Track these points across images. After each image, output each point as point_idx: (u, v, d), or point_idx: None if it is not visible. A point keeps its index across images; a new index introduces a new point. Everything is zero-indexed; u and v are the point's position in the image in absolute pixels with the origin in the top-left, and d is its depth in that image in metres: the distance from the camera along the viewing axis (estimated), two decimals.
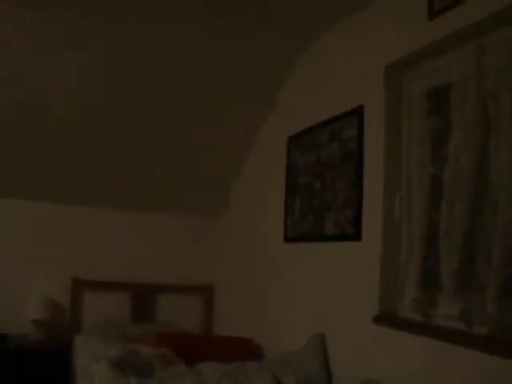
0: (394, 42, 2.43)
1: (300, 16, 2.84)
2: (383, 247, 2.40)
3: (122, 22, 2.92)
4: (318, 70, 3.18)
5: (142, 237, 4.27)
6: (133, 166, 3.90)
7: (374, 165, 2.50)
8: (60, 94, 3.29)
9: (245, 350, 3.29)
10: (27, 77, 3.14)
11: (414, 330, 2.15)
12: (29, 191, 3.84)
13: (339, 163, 2.79)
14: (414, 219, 2.29)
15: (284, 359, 2.83)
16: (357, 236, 2.57)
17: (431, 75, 2.28)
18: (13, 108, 3.30)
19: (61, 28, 2.90)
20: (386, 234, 2.40)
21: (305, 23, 2.93)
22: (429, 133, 2.27)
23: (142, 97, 3.44)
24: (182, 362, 2.91)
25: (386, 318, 2.33)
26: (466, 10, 1.99)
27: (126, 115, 3.53)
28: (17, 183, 3.77)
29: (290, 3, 2.72)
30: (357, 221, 2.58)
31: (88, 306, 4.00)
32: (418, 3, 2.26)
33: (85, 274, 3.98)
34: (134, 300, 4.14)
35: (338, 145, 2.82)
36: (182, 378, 2.54)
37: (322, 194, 2.93)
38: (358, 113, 2.66)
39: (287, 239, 3.29)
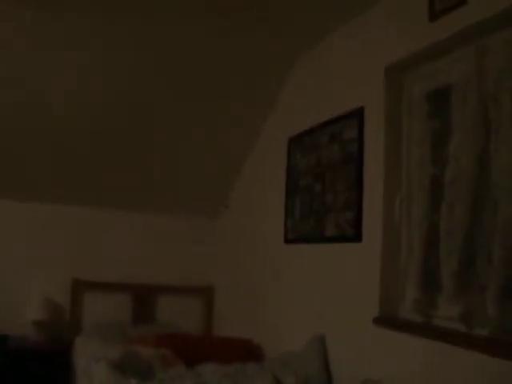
0: (395, 44, 2.42)
1: (300, 16, 2.84)
2: (383, 248, 2.40)
3: (121, 22, 2.92)
4: (318, 70, 3.18)
5: (142, 237, 4.27)
6: (133, 166, 3.89)
7: (375, 166, 2.50)
8: (60, 94, 3.29)
9: (245, 351, 3.29)
10: (27, 77, 3.14)
11: (414, 331, 2.15)
12: (29, 191, 3.83)
13: (340, 165, 2.79)
14: (414, 220, 2.29)
15: (284, 360, 2.83)
16: (357, 237, 2.57)
17: (432, 76, 2.28)
18: (13, 108, 3.30)
19: (61, 28, 2.90)
20: (386, 236, 2.40)
21: (305, 24, 2.93)
22: (429, 134, 2.27)
23: (142, 97, 3.44)
24: (182, 363, 2.91)
25: (387, 319, 2.33)
26: (467, 12, 1.99)
27: (125, 115, 3.53)
28: (17, 183, 3.77)
29: (289, 3, 2.71)
30: (357, 222, 2.58)
31: (88, 306, 3.99)
32: (419, 4, 2.25)
33: (85, 275, 3.98)
34: (134, 301, 4.14)
35: (339, 146, 2.82)
36: (182, 379, 2.54)
37: (322, 195, 2.93)
38: (358, 114, 2.66)
39: (287, 240, 3.29)
